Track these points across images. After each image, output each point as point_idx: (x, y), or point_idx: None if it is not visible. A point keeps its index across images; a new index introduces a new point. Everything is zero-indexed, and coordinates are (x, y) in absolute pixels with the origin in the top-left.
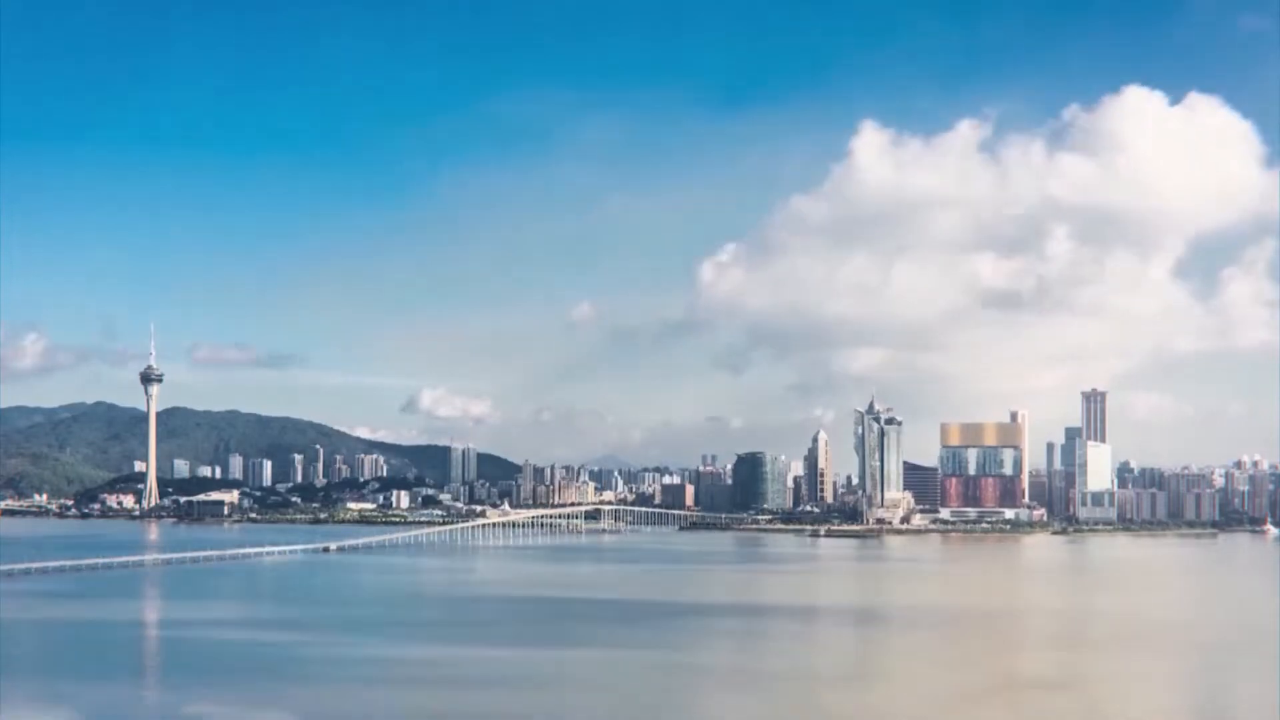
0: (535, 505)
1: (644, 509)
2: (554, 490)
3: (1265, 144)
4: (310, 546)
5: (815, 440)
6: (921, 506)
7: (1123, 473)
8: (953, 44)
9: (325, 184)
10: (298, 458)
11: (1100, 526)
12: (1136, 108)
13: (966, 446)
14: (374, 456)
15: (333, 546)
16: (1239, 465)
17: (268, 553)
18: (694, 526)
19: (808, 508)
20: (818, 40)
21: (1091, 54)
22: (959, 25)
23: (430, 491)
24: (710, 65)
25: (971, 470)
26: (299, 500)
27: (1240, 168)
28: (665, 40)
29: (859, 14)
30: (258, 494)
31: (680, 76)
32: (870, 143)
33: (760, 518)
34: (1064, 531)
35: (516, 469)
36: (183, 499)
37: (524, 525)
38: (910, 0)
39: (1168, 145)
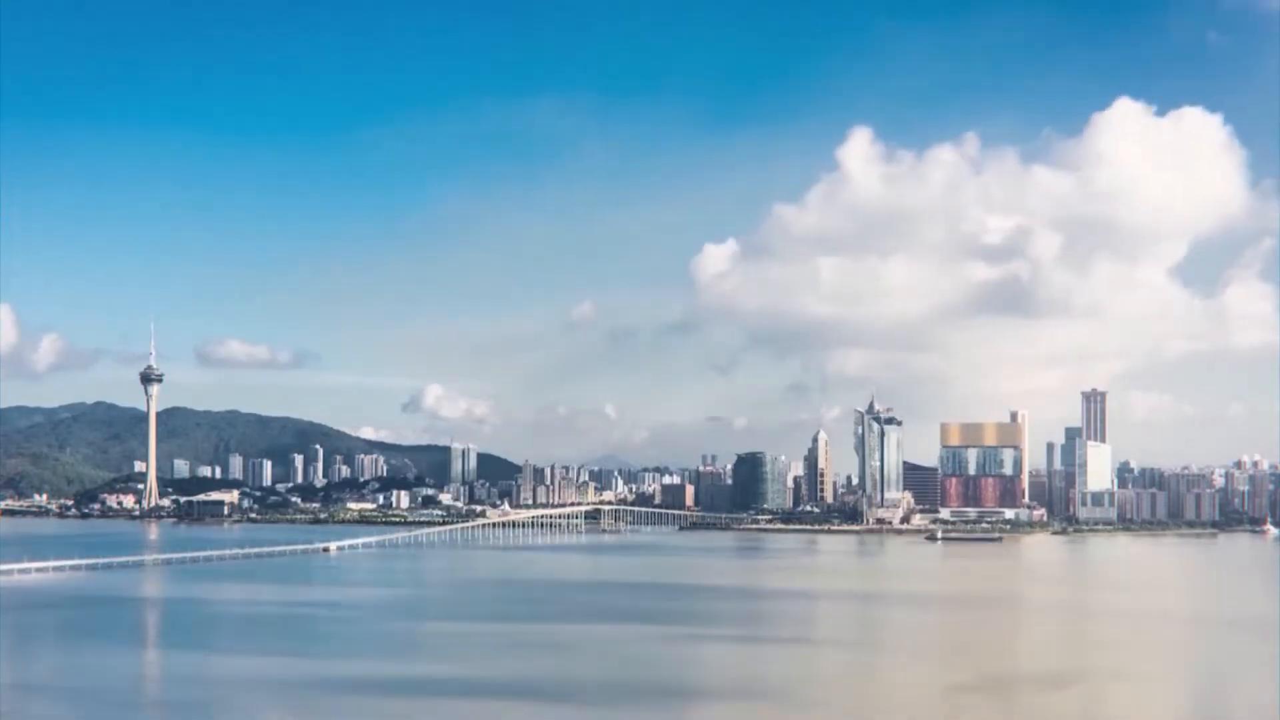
0: (535, 505)
1: (644, 509)
2: (554, 490)
3: (1251, 150)
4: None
5: (815, 440)
6: (921, 506)
7: (1123, 473)
8: (946, 59)
9: (330, 187)
10: (298, 458)
11: (1100, 526)
12: (1127, 119)
13: (966, 446)
14: (374, 456)
15: (333, 547)
16: (1239, 465)
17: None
18: (694, 526)
19: (808, 508)
20: (815, 49)
21: (1081, 69)
22: (951, 41)
23: (430, 491)
24: (710, 74)
25: (971, 470)
26: (299, 500)
27: (1233, 172)
28: (665, 49)
29: (854, 27)
30: (258, 494)
31: (681, 84)
32: (865, 150)
33: (760, 518)
34: (1064, 531)
35: (516, 469)
36: (183, 499)
37: (524, 525)
38: (903, 15)
39: (1160, 154)
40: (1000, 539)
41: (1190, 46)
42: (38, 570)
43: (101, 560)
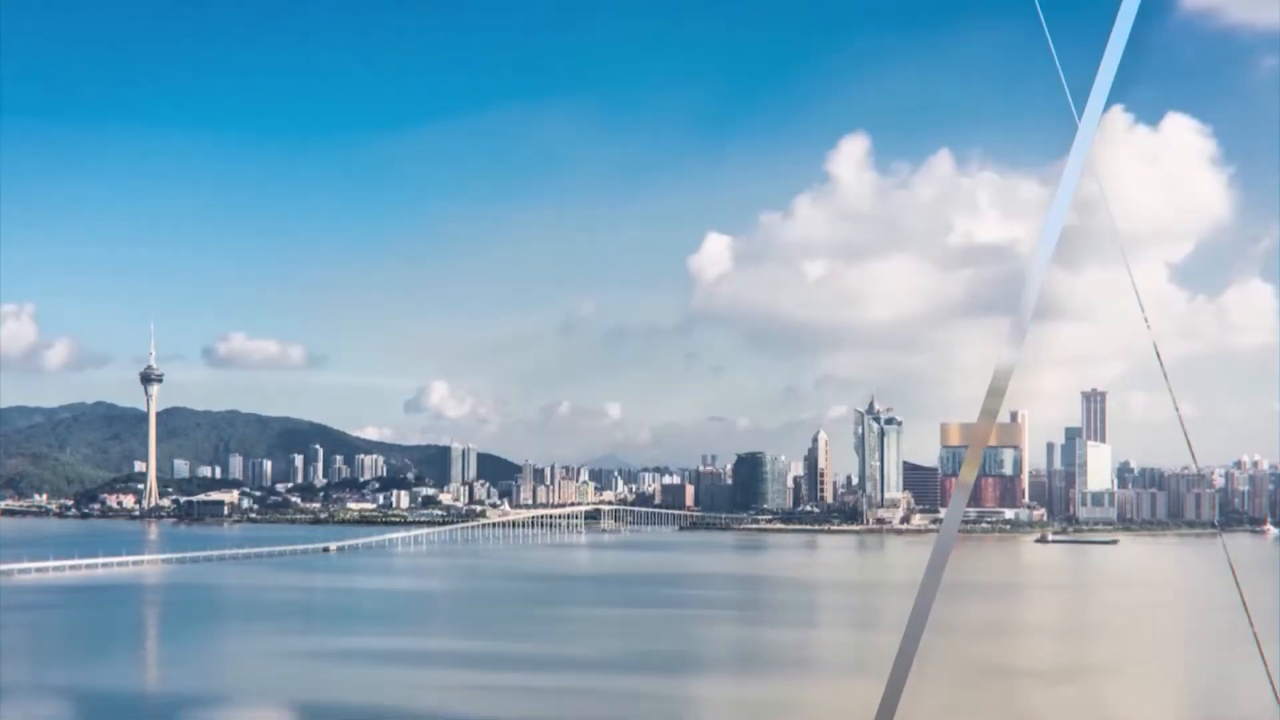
0: (535, 505)
1: (644, 509)
2: (554, 490)
3: (1244, 156)
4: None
5: (815, 440)
6: (921, 506)
7: (1123, 473)
8: (941, 68)
9: (333, 187)
10: (298, 458)
11: (1100, 526)
12: (1119, 127)
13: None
14: (374, 456)
15: (333, 547)
16: (1239, 465)
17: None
18: (694, 526)
19: (808, 508)
20: (811, 57)
21: (1072, 77)
22: (946, 49)
23: (430, 491)
24: (707, 80)
25: None
26: (299, 500)
27: (1225, 177)
28: (663, 55)
29: (851, 38)
30: (258, 494)
31: (678, 91)
32: (861, 158)
33: (760, 518)
34: (1064, 531)
35: (516, 469)
36: (183, 499)
37: (524, 525)
38: (899, 28)
39: (1153, 160)
40: (1117, 542)
41: (1181, 55)
42: (38, 570)
43: (101, 560)
